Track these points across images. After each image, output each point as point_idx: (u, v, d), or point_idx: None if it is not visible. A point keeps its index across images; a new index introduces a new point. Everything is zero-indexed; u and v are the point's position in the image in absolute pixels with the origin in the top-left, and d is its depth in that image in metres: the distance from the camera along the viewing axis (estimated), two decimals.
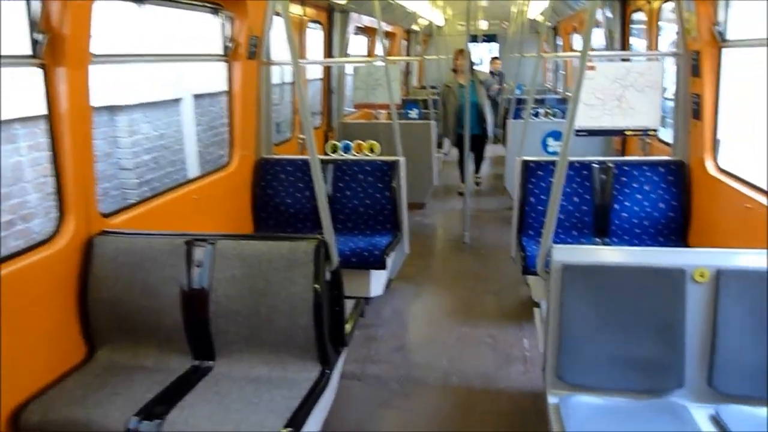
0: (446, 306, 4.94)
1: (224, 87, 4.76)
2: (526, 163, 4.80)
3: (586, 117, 4.62)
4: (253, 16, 4.57)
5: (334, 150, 5.10)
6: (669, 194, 4.58)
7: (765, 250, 2.54)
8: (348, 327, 3.20)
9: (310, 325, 2.76)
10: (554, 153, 4.82)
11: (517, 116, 8.19)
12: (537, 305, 4.81)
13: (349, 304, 3.53)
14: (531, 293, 4.95)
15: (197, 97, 8.12)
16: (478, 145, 8.42)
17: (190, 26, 6.35)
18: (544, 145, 4.75)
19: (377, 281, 4.87)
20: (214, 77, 7.09)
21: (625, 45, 7.11)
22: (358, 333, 4.20)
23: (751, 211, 3.62)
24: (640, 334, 2.58)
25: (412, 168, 5.74)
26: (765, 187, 3.62)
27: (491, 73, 11.87)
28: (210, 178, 4.52)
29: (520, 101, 8.78)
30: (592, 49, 7.88)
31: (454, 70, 8.17)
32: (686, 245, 4.50)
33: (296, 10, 6.33)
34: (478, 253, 6.26)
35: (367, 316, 4.72)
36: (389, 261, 4.65)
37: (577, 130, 4.63)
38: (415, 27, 14.06)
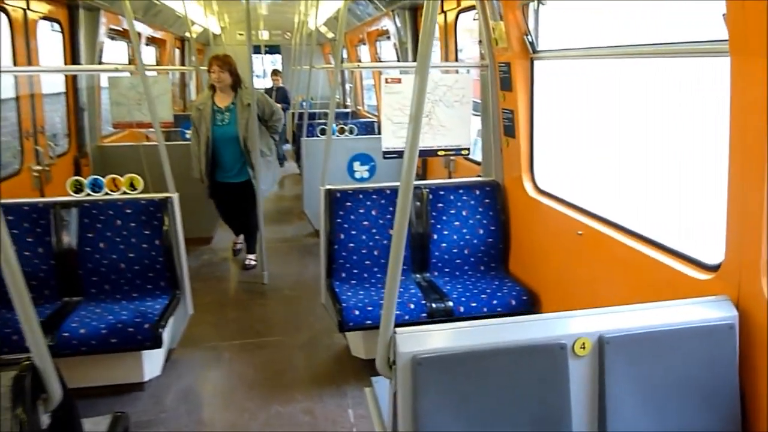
0: (248, 375, 3.94)
1: None
2: (331, 194, 4.03)
3: (393, 137, 4.01)
4: None
5: (79, 189, 3.77)
6: (487, 218, 4.18)
7: (649, 304, 2.08)
8: None
9: None
10: (362, 179, 4.13)
11: (311, 133, 7.46)
12: (355, 356, 4.10)
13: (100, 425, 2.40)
14: (348, 345, 4.19)
15: None
16: (244, 201, 5.51)
17: None
18: (350, 171, 4.05)
19: (152, 361, 3.69)
20: None
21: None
22: None
23: (571, 233, 3.29)
24: (518, 429, 1.94)
25: (193, 197, 4.66)
26: (586, 207, 3.31)
27: (272, 89, 10.85)
28: None
29: (312, 116, 8.09)
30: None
31: (212, 87, 5.36)
32: (507, 272, 4.13)
33: (17, 2, 4.78)
34: (280, 295, 5.33)
35: (141, 407, 3.53)
36: (166, 333, 3.51)
37: (385, 152, 4.01)
38: (189, 34, 12.63)
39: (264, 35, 14.91)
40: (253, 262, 5.97)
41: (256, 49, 14.64)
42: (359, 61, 10.46)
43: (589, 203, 3.30)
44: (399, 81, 3.99)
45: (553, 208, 3.57)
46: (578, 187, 3.73)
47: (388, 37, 7.48)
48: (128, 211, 3.75)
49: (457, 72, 4.96)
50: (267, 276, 5.56)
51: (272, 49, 16.93)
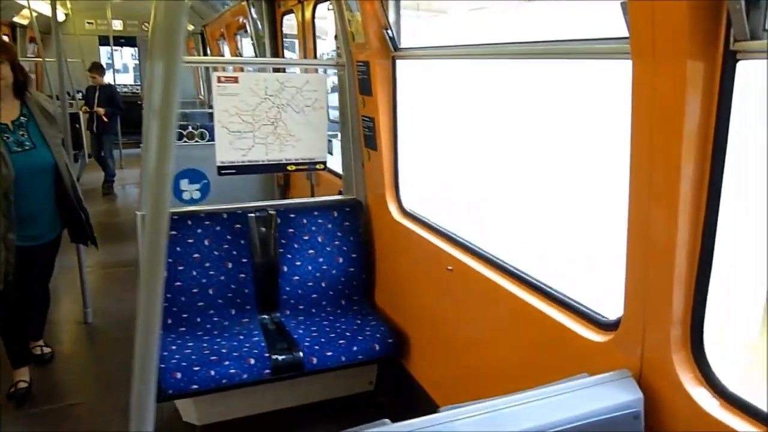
0: None
1: None
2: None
3: (229, 148, 3.27)
4: None
5: None
6: (347, 244, 3.54)
7: (522, 396, 1.52)
8: None
9: None
10: (192, 201, 3.33)
11: None
12: (188, 422, 3.29)
13: None
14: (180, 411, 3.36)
15: None
16: (44, 271, 3.67)
17: None
18: (177, 192, 3.25)
19: None
20: None
21: (278, 54, 6.05)
22: None
23: (440, 266, 2.76)
24: None
25: None
26: (457, 237, 2.79)
27: (92, 88, 8.51)
28: None
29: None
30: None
31: None
32: (372, 307, 3.52)
33: None
34: (106, 339, 4.36)
35: None
36: None
37: (220, 167, 3.26)
38: (19, 20, 10.92)
39: (116, 25, 13.38)
40: (48, 350, 4.01)
41: (105, 41, 13.17)
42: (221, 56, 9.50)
43: (460, 231, 2.76)
44: (235, 80, 3.25)
45: (420, 235, 3.01)
46: (448, 211, 3.19)
47: (246, 31, 6.68)
48: None
49: (321, 71, 4.31)
50: (90, 314, 4.56)
51: (128, 42, 15.30)
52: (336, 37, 3.57)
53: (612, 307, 1.81)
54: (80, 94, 11.69)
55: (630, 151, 1.54)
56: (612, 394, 1.57)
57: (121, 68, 16.76)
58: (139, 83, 15.30)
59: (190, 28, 11.79)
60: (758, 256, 1.54)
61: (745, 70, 1.31)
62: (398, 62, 3.15)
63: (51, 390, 3.66)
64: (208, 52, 11.43)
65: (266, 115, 3.34)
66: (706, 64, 1.35)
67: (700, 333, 1.49)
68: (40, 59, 11.89)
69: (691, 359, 1.51)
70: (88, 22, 13.51)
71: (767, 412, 1.37)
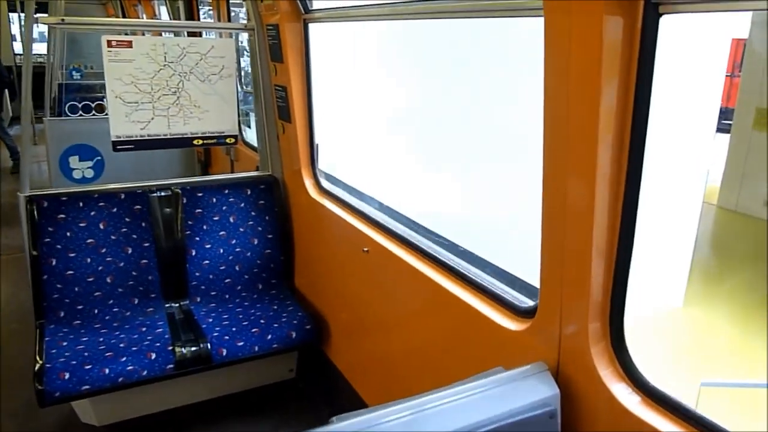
0: None
1: None
2: (34, 202, 2.85)
3: (125, 121, 2.93)
4: None
5: None
6: (262, 224, 3.29)
7: (437, 395, 1.35)
8: None
9: None
10: (83, 181, 2.99)
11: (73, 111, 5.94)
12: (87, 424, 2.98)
13: None
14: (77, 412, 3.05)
15: None
16: None
17: None
18: (66, 169, 2.90)
19: None
20: None
21: (194, 19, 5.61)
22: None
23: (357, 247, 2.56)
24: None
25: None
26: (373, 217, 2.59)
27: None
28: None
29: (79, 89, 6.54)
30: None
31: None
32: (291, 290, 3.30)
33: None
34: (10, 330, 3.97)
35: None
36: None
37: (115, 143, 2.93)
38: None
39: None
40: None
41: (12, 6, 12.10)
42: None
43: (375, 213, 2.56)
44: (129, 45, 2.90)
45: (336, 214, 2.80)
46: (363, 187, 2.98)
47: None
48: None
49: (229, 36, 3.98)
50: None
51: (43, 8, 14.09)
52: None
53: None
54: None
55: (543, 118, 1.37)
56: (528, 390, 1.41)
57: (38, 37, 15.49)
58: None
59: None
60: (681, 234, 1.40)
61: (669, 26, 1.15)
62: (311, 26, 2.88)
63: None
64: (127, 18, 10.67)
65: (167, 84, 3.01)
66: (626, 19, 1.18)
67: (620, 323, 1.35)
68: None
69: (611, 351, 1.37)
70: None
71: (688, 407, 1.25)
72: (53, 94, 7.48)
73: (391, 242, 2.35)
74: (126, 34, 7.08)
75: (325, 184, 3.07)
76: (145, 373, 2.62)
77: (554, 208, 1.41)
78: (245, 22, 3.33)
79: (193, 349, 2.74)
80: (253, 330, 2.88)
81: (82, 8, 11.92)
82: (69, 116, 5.39)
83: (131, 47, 2.90)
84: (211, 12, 5.33)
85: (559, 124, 1.32)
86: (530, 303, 1.67)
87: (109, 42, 2.85)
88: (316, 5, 2.82)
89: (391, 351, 2.49)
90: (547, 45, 1.30)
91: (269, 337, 2.88)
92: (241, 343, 2.81)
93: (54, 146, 3.73)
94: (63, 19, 2.85)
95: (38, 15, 12.04)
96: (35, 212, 2.85)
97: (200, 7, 5.72)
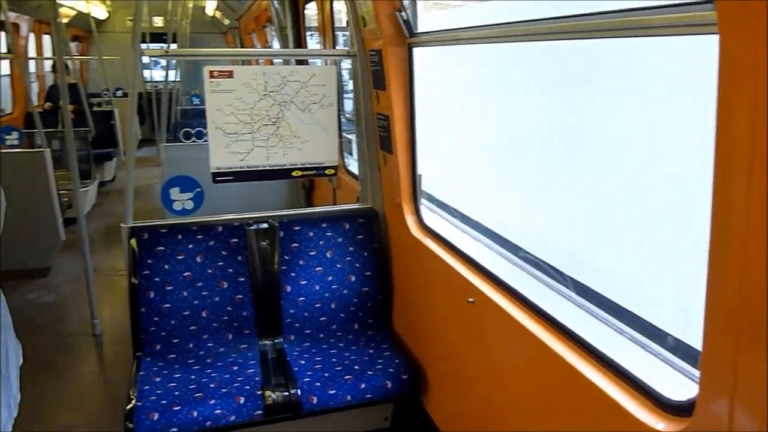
0: None
1: None
2: (134, 234, 2.84)
3: (225, 153, 2.87)
4: None
5: None
6: (360, 260, 3.10)
7: None
8: None
9: None
10: (183, 213, 2.96)
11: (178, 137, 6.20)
12: None
13: None
14: None
15: None
16: None
17: None
18: (167, 202, 2.89)
19: None
20: None
21: (302, 46, 5.64)
22: None
23: (460, 295, 2.27)
24: None
25: (19, 220, 3.87)
26: (480, 263, 2.30)
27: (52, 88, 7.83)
28: None
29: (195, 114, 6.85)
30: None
31: None
32: (390, 331, 3.07)
33: None
34: (115, 353, 4.07)
35: None
36: None
37: (215, 174, 2.86)
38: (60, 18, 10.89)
39: (157, 21, 13.28)
40: None
41: (148, 38, 13.07)
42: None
43: (483, 257, 2.27)
44: (230, 75, 2.85)
45: (439, 256, 2.53)
46: (471, 228, 2.69)
47: (271, 24, 6.29)
48: None
49: (332, 63, 3.88)
50: (98, 324, 4.28)
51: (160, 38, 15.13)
52: (348, 23, 3.12)
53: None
54: (120, 91, 11.65)
55: (715, 151, 1.04)
56: None
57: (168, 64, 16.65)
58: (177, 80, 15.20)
59: (226, 22, 11.58)
60: None
61: None
62: (415, 50, 2.66)
63: (43, 417, 3.36)
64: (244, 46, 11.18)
65: (267, 113, 2.92)
66: None
67: None
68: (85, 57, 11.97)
69: None
70: (129, 20, 13.47)
71: None
72: (174, 119, 7.90)
73: (500, 294, 2.05)
74: (242, 63, 7.35)
75: (427, 214, 2.82)
76: (233, 418, 2.49)
77: (724, 261, 1.06)
78: (348, 48, 3.20)
79: (284, 394, 2.57)
80: (347, 377, 2.67)
81: (204, 37, 12.67)
82: (183, 142, 5.59)
83: (232, 77, 2.84)
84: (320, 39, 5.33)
85: (738, 155, 0.99)
86: (681, 397, 1.31)
87: (210, 72, 2.81)
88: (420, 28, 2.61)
89: (492, 411, 2.18)
90: (723, 64, 0.98)
91: (363, 386, 2.65)
92: (333, 391, 2.61)
93: (168, 171, 3.79)
94: (167, 51, 2.85)
95: (153, 45, 12.81)
96: (136, 244, 2.84)
97: (311, 34, 5.75)
